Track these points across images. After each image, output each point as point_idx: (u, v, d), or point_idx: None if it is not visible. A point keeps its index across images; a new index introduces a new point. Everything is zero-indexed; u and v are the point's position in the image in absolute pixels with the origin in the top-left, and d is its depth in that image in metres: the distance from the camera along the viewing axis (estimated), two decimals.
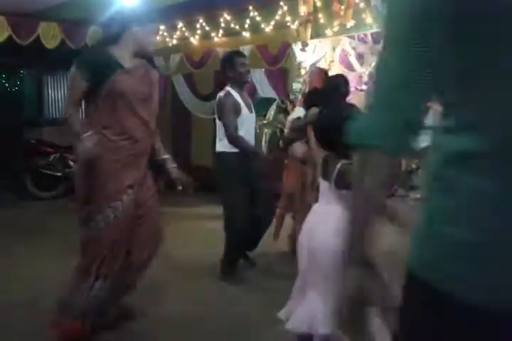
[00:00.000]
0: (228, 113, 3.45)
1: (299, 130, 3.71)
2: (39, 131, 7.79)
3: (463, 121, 0.81)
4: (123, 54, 2.55)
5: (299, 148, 3.65)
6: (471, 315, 0.77)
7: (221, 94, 3.57)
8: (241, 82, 3.59)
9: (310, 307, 1.97)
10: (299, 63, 5.35)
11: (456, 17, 0.78)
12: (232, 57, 3.58)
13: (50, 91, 8.46)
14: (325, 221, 2.04)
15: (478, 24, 0.77)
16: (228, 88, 3.55)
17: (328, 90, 3.84)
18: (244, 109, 3.53)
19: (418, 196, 4.89)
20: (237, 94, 3.53)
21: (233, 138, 3.45)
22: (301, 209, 3.66)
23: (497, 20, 0.75)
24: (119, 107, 2.47)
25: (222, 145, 3.53)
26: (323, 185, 2.12)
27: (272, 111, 5.81)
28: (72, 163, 6.80)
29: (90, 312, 2.50)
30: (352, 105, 2.37)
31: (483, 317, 0.76)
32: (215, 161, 3.69)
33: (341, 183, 1.96)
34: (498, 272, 0.76)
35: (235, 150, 3.49)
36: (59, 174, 6.67)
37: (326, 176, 2.08)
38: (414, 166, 5.65)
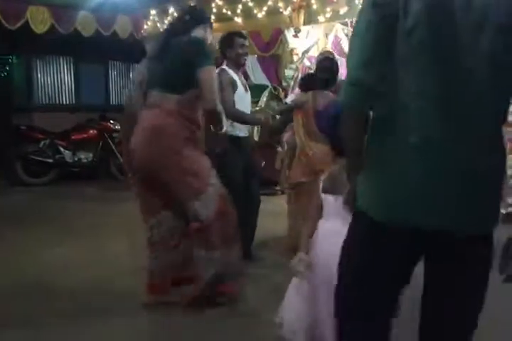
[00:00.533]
0: (224, 88, 3.27)
1: (281, 113, 3.80)
2: (29, 116, 7.71)
3: None
4: None
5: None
6: (379, 227, 1.31)
7: (216, 71, 3.49)
8: (238, 64, 3.50)
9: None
10: (292, 50, 5.34)
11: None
12: (232, 37, 3.48)
13: (40, 76, 8.33)
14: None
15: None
16: (224, 66, 3.46)
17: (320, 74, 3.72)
18: (240, 87, 3.44)
19: None
20: (233, 73, 3.44)
21: (232, 113, 3.26)
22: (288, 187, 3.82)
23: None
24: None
25: None
26: (329, 200, 1.95)
27: (264, 98, 5.80)
28: (62, 150, 6.77)
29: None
30: None
31: (387, 228, 1.30)
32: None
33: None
34: (389, 202, 1.30)
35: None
36: (49, 160, 6.65)
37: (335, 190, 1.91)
38: None
